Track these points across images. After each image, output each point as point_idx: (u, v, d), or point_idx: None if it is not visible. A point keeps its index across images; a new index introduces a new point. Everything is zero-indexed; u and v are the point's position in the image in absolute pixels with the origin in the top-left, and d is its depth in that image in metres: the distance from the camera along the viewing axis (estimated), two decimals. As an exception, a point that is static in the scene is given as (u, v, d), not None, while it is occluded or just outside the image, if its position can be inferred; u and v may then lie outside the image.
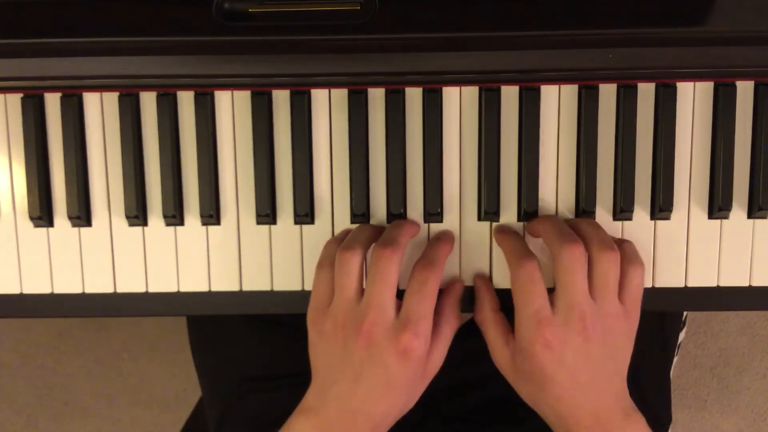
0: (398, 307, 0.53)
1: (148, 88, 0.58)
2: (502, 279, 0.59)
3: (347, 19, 0.55)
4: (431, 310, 0.53)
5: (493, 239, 0.59)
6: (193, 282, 0.60)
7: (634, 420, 0.53)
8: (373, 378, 0.52)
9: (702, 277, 0.59)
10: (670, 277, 0.59)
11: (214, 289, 0.60)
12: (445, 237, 0.58)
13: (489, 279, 0.59)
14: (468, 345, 0.62)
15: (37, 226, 0.59)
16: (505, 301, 0.57)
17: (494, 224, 0.59)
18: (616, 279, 0.53)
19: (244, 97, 0.58)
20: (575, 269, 0.52)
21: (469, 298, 0.59)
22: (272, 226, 0.59)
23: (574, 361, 0.52)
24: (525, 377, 0.54)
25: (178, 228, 0.59)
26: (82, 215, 0.59)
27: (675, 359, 0.83)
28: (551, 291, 0.53)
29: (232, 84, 0.58)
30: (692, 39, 0.55)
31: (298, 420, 0.55)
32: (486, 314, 0.57)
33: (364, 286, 0.53)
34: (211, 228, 0.59)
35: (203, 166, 0.58)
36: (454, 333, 0.56)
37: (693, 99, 0.58)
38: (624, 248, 0.55)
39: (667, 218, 0.58)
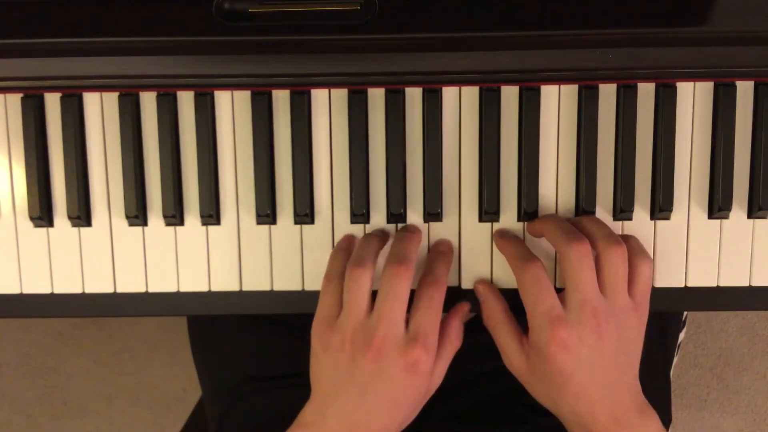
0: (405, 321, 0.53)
1: (148, 88, 0.58)
2: (504, 279, 0.59)
3: (347, 19, 0.55)
4: (438, 324, 0.54)
5: (495, 244, 0.59)
6: (193, 282, 0.60)
7: (648, 416, 0.53)
8: (380, 392, 0.52)
9: (702, 277, 0.59)
10: (670, 277, 0.59)
11: (214, 289, 0.60)
12: (445, 249, 0.58)
13: (491, 282, 0.59)
14: (465, 345, 0.62)
15: (37, 226, 0.59)
16: (511, 300, 0.57)
17: (495, 230, 0.59)
18: (625, 274, 0.53)
19: (244, 97, 0.58)
20: (583, 267, 0.52)
21: (469, 299, 0.59)
22: (272, 226, 0.59)
23: (589, 358, 0.52)
24: (541, 378, 0.54)
25: (178, 228, 0.59)
26: (82, 215, 0.59)
27: (675, 359, 0.83)
28: (560, 291, 0.53)
29: (232, 84, 0.58)
30: (692, 39, 0.55)
31: None
32: (497, 317, 0.56)
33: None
34: (211, 228, 0.59)
35: (203, 166, 0.58)
36: (455, 353, 0.57)
37: (693, 99, 0.58)
38: (630, 243, 0.55)
39: (667, 218, 0.58)
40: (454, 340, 0.56)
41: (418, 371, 0.52)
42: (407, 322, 0.53)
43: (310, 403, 0.55)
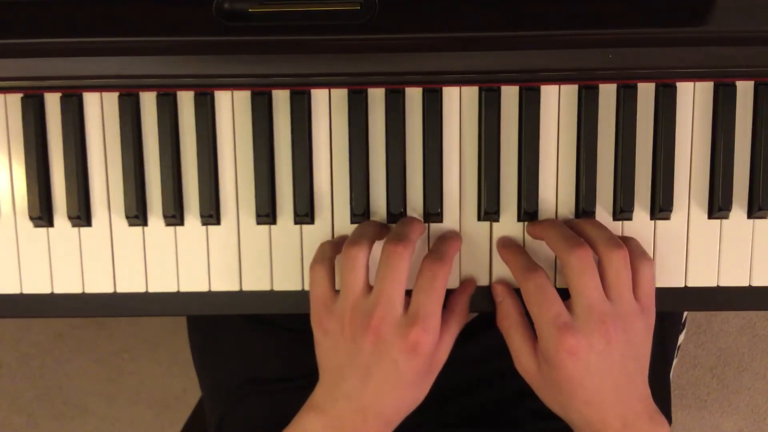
0: (406, 304, 0.52)
1: (148, 88, 0.58)
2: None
3: (347, 19, 0.55)
4: (440, 305, 0.53)
5: (494, 246, 0.59)
6: (193, 282, 0.60)
7: (658, 423, 0.53)
8: (383, 374, 0.52)
9: (702, 277, 0.59)
10: (670, 277, 0.59)
11: (214, 289, 0.60)
12: (453, 234, 0.58)
13: (509, 284, 0.58)
14: (466, 349, 0.62)
15: (37, 226, 0.59)
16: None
17: (497, 238, 0.59)
18: (628, 276, 0.53)
19: (244, 97, 0.58)
20: (586, 272, 0.52)
21: (477, 297, 0.59)
22: (272, 226, 0.59)
23: (599, 364, 0.51)
24: (552, 385, 0.53)
25: (178, 228, 0.59)
26: (82, 215, 0.59)
27: (675, 360, 0.83)
28: (565, 300, 0.53)
29: (232, 84, 0.58)
30: (692, 39, 0.55)
31: (307, 417, 0.55)
32: (513, 320, 0.56)
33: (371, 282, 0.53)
34: (211, 228, 0.59)
35: (203, 166, 0.58)
36: (461, 330, 0.56)
37: (693, 99, 0.58)
38: (630, 245, 0.55)
39: (667, 218, 0.58)
40: (460, 317, 0.56)
41: (419, 353, 0.51)
42: (409, 302, 0.52)
43: (319, 386, 0.55)
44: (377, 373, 0.52)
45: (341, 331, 0.53)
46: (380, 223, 0.58)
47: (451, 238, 0.57)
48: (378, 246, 0.56)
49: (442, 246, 0.56)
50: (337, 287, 0.55)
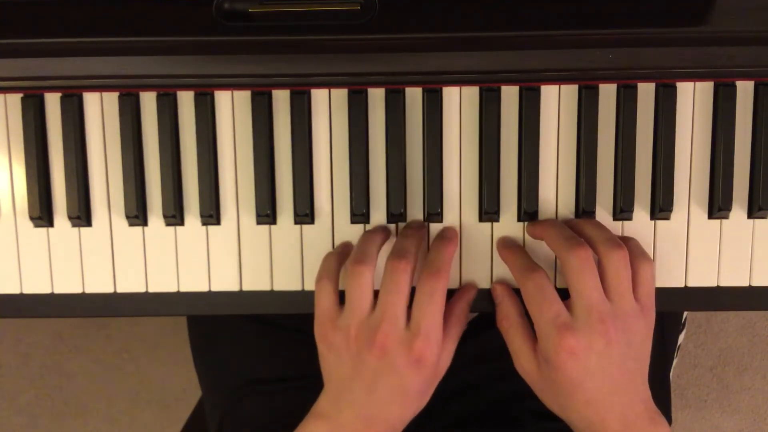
0: (408, 316, 0.53)
1: (148, 88, 0.58)
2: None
3: (347, 19, 0.55)
4: (441, 316, 0.53)
5: (498, 253, 0.59)
6: (193, 282, 0.60)
7: (658, 423, 0.53)
8: (388, 387, 0.53)
9: (702, 277, 0.59)
10: (670, 277, 0.59)
11: (214, 289, 0.60)
12: (449, 236, 0.58)
13: (508, 285, 0.58)
14: (466, 349, 0.62)
15: (37, 226, 0.59)
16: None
17: (497, 239, 0.59)
18: (628, 277, 0.53)
19: (244, 97, 0.58)
20: (586, 272, 0.52)
21: (477, 297, 0.59)
22: (272, 226, 0.59)
23: (599, 365, 0.51)
24: (552, 385, 0.53)
25: (178, 228, 0.59)
26: (82, 215, 0.59)
27: (675, 360, 0.83)
28: (565, 300, 0.53)
29: (232, 84, 0.58)
30: (692, 39, 0.55)
31: (314, 424, 0.55)
32: (512, 320, 0.56)
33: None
34: (211, 228, 0.59)
35: (203, 166, 0.58)
36: (461, 334, 0.57)
37: (693, 99, 0.58)
38: (630, 245, 0.55)
39: (667, 218, 0.58)
40: (461, 322, 0.56)
41: (424, 365, 0.52)
42: (410, 316, 0.53)
43: (324, 394, 0.56)
44: (383, 386, 0.53)
45: (346, 345, 0.53)
46: (381, 232, 0.58)
47: (445, 244, 0.57)
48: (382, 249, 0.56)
49: (438, 256, 0.55)
50: (341, 287, 0.56)
